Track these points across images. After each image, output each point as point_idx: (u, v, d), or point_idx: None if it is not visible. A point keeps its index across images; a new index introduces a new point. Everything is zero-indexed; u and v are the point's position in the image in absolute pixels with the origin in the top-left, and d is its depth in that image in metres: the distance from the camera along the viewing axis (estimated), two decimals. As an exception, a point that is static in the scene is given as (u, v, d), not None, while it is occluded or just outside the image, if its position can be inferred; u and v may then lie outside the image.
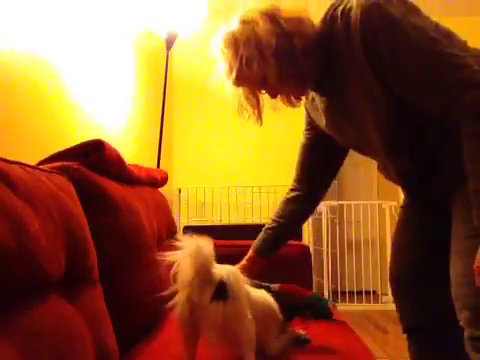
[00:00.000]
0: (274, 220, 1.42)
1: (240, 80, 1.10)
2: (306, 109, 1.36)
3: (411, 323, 1.27)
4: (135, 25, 2.71)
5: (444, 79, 0.94)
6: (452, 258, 1.02)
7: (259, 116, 1.20)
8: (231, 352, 1.01)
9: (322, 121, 1.25)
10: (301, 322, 1.13)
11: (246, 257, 1.38)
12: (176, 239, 0.90)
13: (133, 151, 2.64)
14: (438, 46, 0.94)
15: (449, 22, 1.08)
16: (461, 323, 0.99)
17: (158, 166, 2.76)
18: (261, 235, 1.42)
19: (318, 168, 1.39)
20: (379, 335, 2.86)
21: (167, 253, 0.90)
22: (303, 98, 1.20)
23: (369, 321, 3.18)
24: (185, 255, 0.89)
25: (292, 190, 1.41)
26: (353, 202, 3.76)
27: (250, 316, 0.94)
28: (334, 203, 3.68)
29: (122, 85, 2.48)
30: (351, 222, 3.82)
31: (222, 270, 0.92)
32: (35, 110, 1.50)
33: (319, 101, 1.22)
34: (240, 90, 1.15)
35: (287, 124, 4.07)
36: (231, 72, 1.08)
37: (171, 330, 1.28)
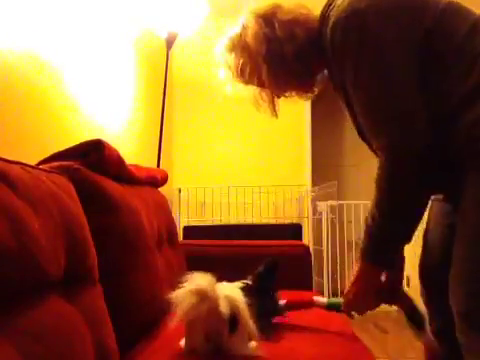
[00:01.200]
0: None
1: (244, 83, 1.16)
2: None
3: (442, 325, 1.20)
4: (135, 25, 2.71)
5: (371, 126, 1.01)
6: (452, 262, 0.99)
7: (274, 109, 1.24)
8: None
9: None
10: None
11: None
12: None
13: (133, 151, 2.64)
14: (383, 86, 0.96)
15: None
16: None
17: (158, 166, 2.76)
18: None
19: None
20: (379, 335, 2.86)
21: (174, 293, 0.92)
22: (316, 91, 1.22)
23: (369, 321, 3.18)
24: (191, 293, 0.91)
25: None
26: (353, 202, 3.76)
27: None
28: (334, 203, 3.68)
29: (122, 85, 2.48)
30: (351, 222, 3.82)
31: (224, 298, 0.93)
32: (35, 110, 1.50)
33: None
34: (254, 87, 1.18)
35: (287, 124, 4.08)
36: (233, 77, 1.14)
37: (171, 330, 1.28)
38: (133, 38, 2.68)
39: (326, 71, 1.18)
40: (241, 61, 1.10)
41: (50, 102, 1.60)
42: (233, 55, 1.12)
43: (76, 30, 1.80)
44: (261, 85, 1.15)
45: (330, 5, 1.04)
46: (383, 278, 1.18)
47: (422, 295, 1.29)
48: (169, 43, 2.74)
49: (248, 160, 3.97)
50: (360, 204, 3.79)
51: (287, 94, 1.21)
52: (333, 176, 4.25)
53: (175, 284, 0.94)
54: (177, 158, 3.95)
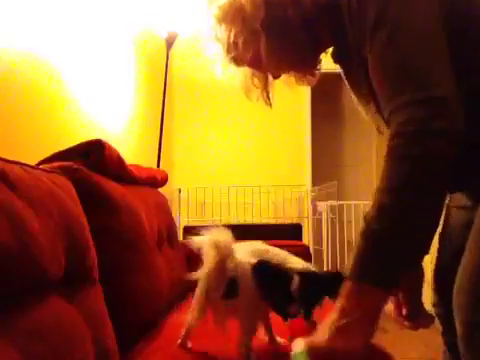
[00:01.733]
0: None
1: (236, 61, 0.97)
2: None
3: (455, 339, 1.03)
4: (135, 25, 2.71)
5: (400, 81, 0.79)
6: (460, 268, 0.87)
7: (267, 96, 1.06)
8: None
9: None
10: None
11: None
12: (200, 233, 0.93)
13: (133, 151, 2.64)
14: (424, 44, 0.79)
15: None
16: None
17: (158, 166, 2.76)
18: None
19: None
20: (379, 335, 2.85)
21: (195, 238, 0.94)
22: (318, 73, 1.04)
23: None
24: (210, 244, 0.92)
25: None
26: (353, 202, 3.76)
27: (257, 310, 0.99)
28: (334, 203, 3.68)
29: (122, 85, 2.48)
30: (351, 222, 3.82)
31: (237, 264, 0.96)
32: (35, 110, 1.50)
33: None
34: (243, 69, 1.01)
35: (287, 124, 4.08)
36: (224, 52, 0.95)
37: (171, 330, 1.28)
38: (133, 38, 2.68)
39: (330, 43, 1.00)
40: (234, 31, 0.91)
41: (50, 102, 1.60)
42: (224, 26, 0.93)
43: (76, 30, 1.80)
44: (256, 62, 0.96)
45: None
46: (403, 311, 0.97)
47: (435, 305, 1.12)
48: (169, 43, 2.74)
49: (248, 160, 3.97)
50: (360, 204, 3.79)
51: (285, 74, 1.02)
52: (333, 176, 4.25)
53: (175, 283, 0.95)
54: (177, 158, 3.95)
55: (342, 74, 1.09)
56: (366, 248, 0.77)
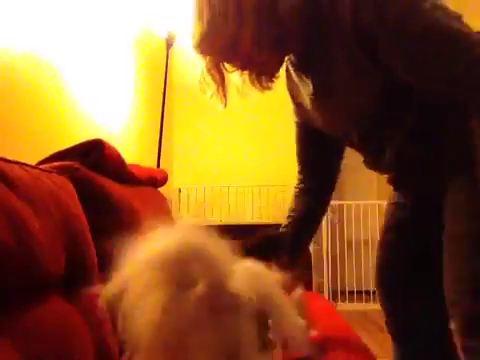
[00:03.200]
0: (288, 216, 1.33)
1: (206, 41, 0.91)
2: (289, 92, 1.18)
3: (399, 327, 1.21)
4: (135, 25, 2.71)
5: (452, 47, 0.80)
6: (445, 260, 0.94)
7: (224, 95, 1.01)
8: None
9: (307, 103, 1.09)
10: None
11: None
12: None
13: (133, 151, 2.64)
14: (449, 16, 0.81)
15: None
16: (453, 329, 0.93)
17: (158, 166, 2.76)
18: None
19: (315, 161, 1.28)
20: (379, 335, 2.85)
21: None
22: (275, 79, 1.01)
23: (369, 321, 3.18)
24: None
25: (298, 184, 1.33)
26: (353, 202, 3.76)
27: None
28: (334, 203, 3.68)
29: (122, 85, 2.48)
30: (351, 222, 3.82)
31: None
32: (35, 110, 1.50)
33: (302, 82, 1.07)
34: (204, 60, 0.97)
35: (287, 124, 4.08)
36: (199, 26, 0.90)
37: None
38: (133, 38, 2.68)
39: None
40: (220, 7, 0.87)
41: (50, 102, 1.60)
42: (207, 1, 0.88)
43: (76, 30, 1.80)
44: (229, 49, 0.91)
45: None
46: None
47: (379, 296, 1.25)
48: (169, 43, 2.74)
49: (248, 160, 3.97)
50: (360, 204, 3.79)
51: (248, 73, 0.99)
52: (333, 176, 4.24)
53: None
54: (177, 158, 3.95)
55: (294, 86, 1.11)
56: None
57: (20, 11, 1.39)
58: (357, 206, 3.79)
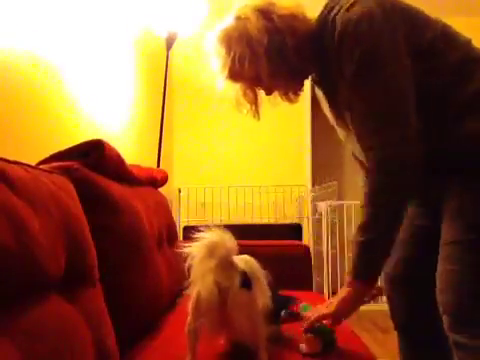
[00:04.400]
0: None
1: (234, 77, 1.11)
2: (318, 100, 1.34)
3: (402, 320, 1.31)
4: (135, 25, 2.71)
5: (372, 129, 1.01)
6: (439, 263, 1.04)
7: (257, 111, 1.21)
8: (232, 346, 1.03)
9: (329, 116, 1.27)
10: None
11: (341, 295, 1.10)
12: (199, 233, 0.92)
13: (133, 151, 2.64)
14: (388, 95, 0.99)
15: (449, 22, 1.08)
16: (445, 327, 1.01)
17: (158, 166, 2.76)
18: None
19: None
20: (379, 335, 2.85)
21: (186, 245, 0.92)
22: (301, 94, 1.20)
23: (369, 321, 3.18)
24: (203, 245, 0.91)
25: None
26: (353, 202, 3.75)
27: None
28: (334, 203, 3.68)
29: (122, 85, 2.48)
30: (351, 222, 3.82)
31: (241, 260, 0.97)
32: (35, 110, 1.50)
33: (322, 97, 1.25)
34: (237, 85, 1.15)
35: (287, 124, 4.08)
36: (224, 69, 1.09)
37: (171, 330, 1.28)
38: (133, 38, 2.68)
39: (315, 74, 1.19)
40: (239, 52, 1.05)
41: (50, 102, 1.60)
42: (227, 47, 1.07)
43: (76, 30, 1.80)
44: (254, 80, 1.11)
45: (329, 9, 1.05)
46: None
47: (386, 292, 1.33)
48: (169, 43, 2.74)
49: (248, 160, 3.97)
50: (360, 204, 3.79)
51: (277, 92, 1.18)
52: (333, 176, 4.25)
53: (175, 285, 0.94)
54: (177, 158, 3.95)
55: (321, 98, 1.27)
56: (357, 254, 1.07)
57: (20, 11, 1.39)
58: (357, 206, 3.78)
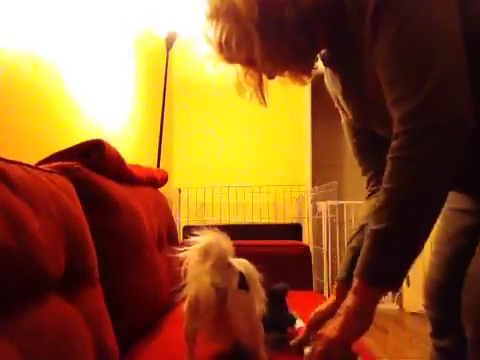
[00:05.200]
0: (357, 226, 1.13)
1: (228, 59, 0.93)
2: (327, 86, 1.13)
3: (454, 344, 1.06)
4: (135, 25, 2.71)
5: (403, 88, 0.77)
6: (473, 262, 0.88)
7: (262, 95, 1.00)
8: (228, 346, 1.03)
9: (341, 97, 1.04)
10: None
11: (330, 300, 1.05)
12: (194, 235, 0.90)
13: (133, 151, 2.64)
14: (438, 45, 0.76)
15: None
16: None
17: (158, 166, 2.76)
18: (346, 257, 1.08)
19: (372, 150, 1.12)
20: (379, 335, 2.85)
21: (180, 249, 0.91)
22: (312, 74, 0.98)
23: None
24: (198, 248, 0.90)
25: (367, 187, 1.18)
26: (353, 202, 3.75)
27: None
28: (334, 203, 3.68)
29: (122, 85, 2.48)
30: (351, 222, 3.82)
31: (237, 263, 0.96)
32: (35, 110, 1.50)
33: (333, 75, 1.03)
34: (238, 67, 0.96)
35: (287, 124, 4.08)
36: (215, 51, 0.92)
37: (171, 330, 1.28)
38: (133, 38, 2.68)
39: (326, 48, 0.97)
40: (226, 29, 0.87)
41: (50, 102, 1.60)
42: (215, 23, 0.89)
43: (76, 30, 1.80)
44: (249, 62, 0.92)
45: None
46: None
47: (427, 308, 1.13)
48: (169, 43, 2.74)
49: (248, 160, 3.97)
50: (360, 204, 3.79)
51: (279, 75, 0.97)
52: (333, 176, 4.25)
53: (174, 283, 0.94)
54: (177, 158, 3.95)
55: (329, 78, 1.07)
56: (371, 248, 0.80)
57: (20, 11, 1.39)
58: (357, 206, 3.78)
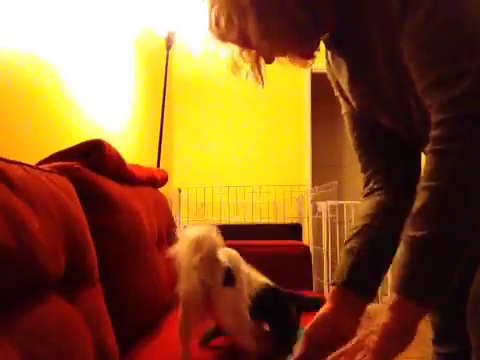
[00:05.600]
0: (353, 231, 0.98)
1: (222, 38, 0.84)
2: (329, 75, 1.03)
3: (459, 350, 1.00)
4: (135, 25, 2.71)
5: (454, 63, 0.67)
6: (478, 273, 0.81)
7: (259, 73, 0.90)
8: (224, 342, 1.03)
9: (347, 85, 0.94)
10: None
11: (328, 301, 0.91)
12: (180, 231, 0.94)
13: (133, 151, 2.64)
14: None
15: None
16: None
17: (158, 166, 2.76)
18: (345, 260, 0.93)
19: (373, 146, 1.02)
20: (379, 335, 2.85)
21: (171, 248, 0.94)
22: (316, 55, 0.88)
23: (369, 321, 3.18)
24: (188, 241, 0.91)
25: (365, 185, 1.08)
26: (353, 202, 3.75)
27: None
28: (334, 203, 3.68)
29: (122, 85, 2.48)
30: (351, 222, 3.82)
31: (225, 254, 0.97)
32: (35, 110, 1.50)
33: (339, 61, 0.94)
34: (231, 46, 0.87)
35: (287, 124, 4.08)
36: (209, 29, 0.84)
37: (171, 330, 1.28)
38: (133, 38, 2.68)
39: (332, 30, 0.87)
40: (216, 4, 0.78)
41: (50, 102, 1.59)
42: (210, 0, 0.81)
43: (76, 30, 1.80)
44: (243, 42, 0.82)
45: None
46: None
47: (430, 315, 1.07)
48: (169, 43, 2.74)
49: (248, 160, 3.97)
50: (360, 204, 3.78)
51: (278, 56, 0.87)
52: (333, 176, 4.25)
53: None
54: (177, 158, 3.95)
55: (331, 63, 0.97)
56: (412, 258, 0.70)
57: (20, 11, 1.39)
58: (357, 206, 3.78)
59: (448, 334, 1.05)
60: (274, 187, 3.80)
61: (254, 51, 0.87)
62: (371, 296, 0.91)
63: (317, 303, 1.03)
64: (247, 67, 0.89)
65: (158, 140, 2.81)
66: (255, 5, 0.76)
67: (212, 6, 0.80)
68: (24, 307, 0.70)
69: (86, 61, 1.92)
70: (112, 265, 1.13)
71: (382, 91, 0.84)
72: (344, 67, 0.91)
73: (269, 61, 0.86)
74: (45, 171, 0.94)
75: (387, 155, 0.99)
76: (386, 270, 0.94)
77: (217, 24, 0.80)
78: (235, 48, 0.87)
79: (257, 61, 0.89)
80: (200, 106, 3.96)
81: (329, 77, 1.03)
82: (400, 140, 0.95)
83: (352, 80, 0.91)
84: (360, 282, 0.90)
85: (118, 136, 2.36)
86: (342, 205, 3.77)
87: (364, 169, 1.06)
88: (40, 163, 1.11)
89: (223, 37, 0.83)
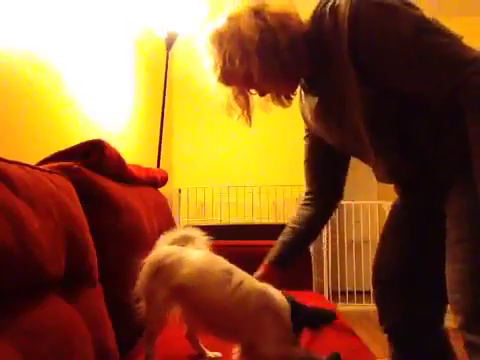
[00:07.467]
0: (290, 227, 1.38)
1: (226, 78, 1.08)
2: (300, 110, 1.33)
3: (392, 323, 1.24)
4: (135, 25, 2.71)
5: (445, 56, 0.90)
6: (447, 263, 0.99)
7: (248, 116, 1.19)
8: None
9: (312, 120, 1.22)
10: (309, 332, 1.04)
11: (261, 269, 1.32)
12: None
13: (133, 151, 2.64)
14: (434, 28, 0.93)
15: (447, 22, 1.08)
16: (456, 326, 0.97)
17: (158, 166, 2.76)
18: (276, 246, 1.37)
19: (323, 169, 1.36)
20: (379, 335, 2.85)
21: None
22: (293, 97, 1.16)
23: (369, 321, 3.18)
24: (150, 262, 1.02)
25: (305, 194, 1.39)
26: (353, 202, 3.75)
27: None
28: (334, 203, 3.67)
29: (122, 85, 2.48)
30: (351, 222, 3.82)
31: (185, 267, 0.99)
32: (35, 110, 1.50)
33: (309, 100, 1.20)
34: (229, 89, 1.13)
35: (287, 124, 4.08)
36: (216, 69, 1.07)
37: (171, 330, 1.28)
38: (133, 38, 2.68)
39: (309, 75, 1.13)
40: (230, 51, 1.03)
41: (50, 102, 1.60)
42: (219, 46, 1.05)
43: (76, 30, 1.80)
44: (246, 79, 1.07)
45: (324, 4, 1.03)
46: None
47: (374, 294, 1.27)
48: (169, 43, 2.74)
49: (248, 160, 3.97)
50: (360, 204, 3.79)
51: (269, 95, 1.14)
52: (333, 176, 4.23)
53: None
54: (177, 158, 3.95)
55: (306, 105, 1.23)
56: None
57: (20, 11, 1.39)
58: (357, 206, 3.78)
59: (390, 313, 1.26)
60: (274, 187, 3.81)
61: (245, 97, 1.14)
62: (287, 268, 1.35)
63: (329, 316, 1.05)
64: (239, 111, 1.18)
65: (158, 140, 2.81)
66: (258, 51, 1.01)
67: (227, 50, 1.03)
68: (24, 307, 0.70)
69: (86, 61, 1.92)
70: (112, 265, 1.13)
71: (344, 125, 1.09)
72: (313, 105, 1.17)
73: (262, 95, 1.13)
74: (45, 171, 0.94)
75: (327, 176, 1.37)
76: (299, 254, 1.42)
77: (231, 63, 1.03)
78: (230, 94, 1.14)
79: (248, 106, 1.17)
80: (200, 106, 3.95)
81: (300, 111, 1.32)
82: (342, 162, 1.37)
83: (318, 115, 1.17)
84: (283, 261, 1.35)
85: (118, 136, 2.36)
86: (342, 205, 3.77)
87: (308, 184, 1.38)
88: (40, 163, 1.11)
89: (229, 76, 1.07)
